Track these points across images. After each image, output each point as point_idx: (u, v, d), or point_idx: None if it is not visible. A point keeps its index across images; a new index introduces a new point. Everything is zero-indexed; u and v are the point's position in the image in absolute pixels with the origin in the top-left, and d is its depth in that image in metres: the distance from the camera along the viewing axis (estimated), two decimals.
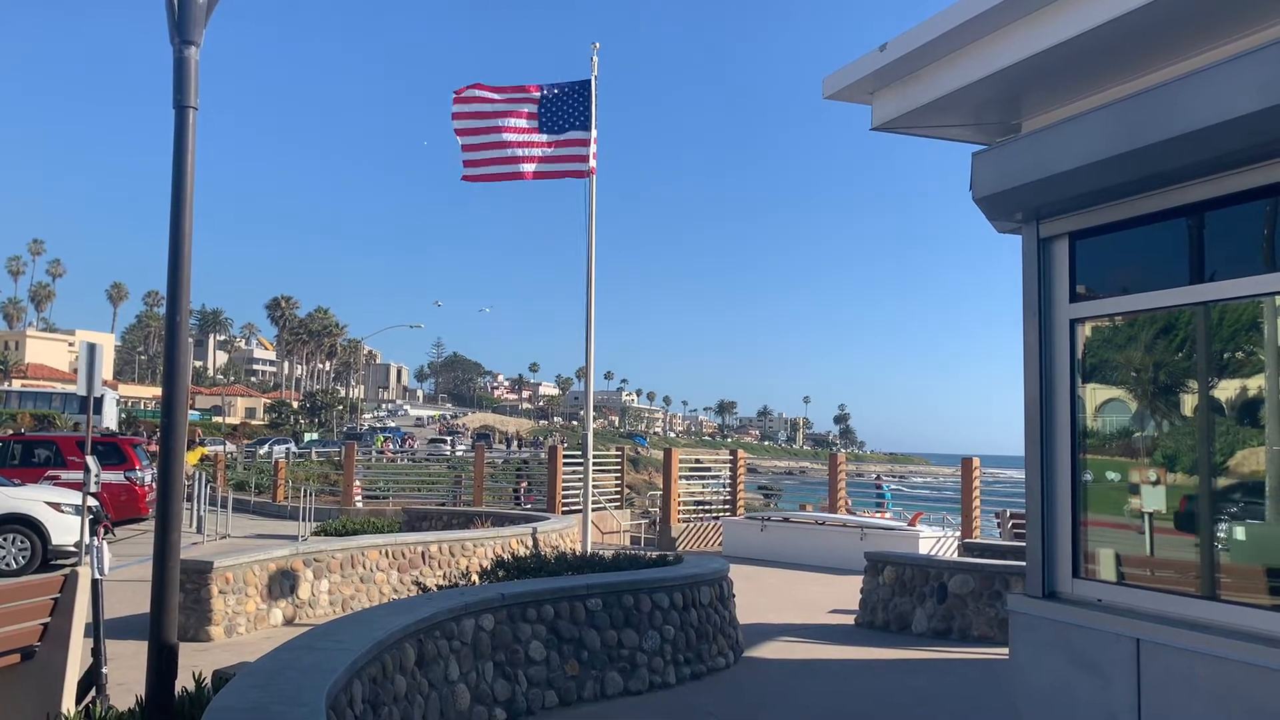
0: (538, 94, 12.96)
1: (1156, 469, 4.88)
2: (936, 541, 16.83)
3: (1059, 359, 5.24)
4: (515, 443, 74.16)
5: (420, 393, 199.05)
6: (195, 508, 20.01)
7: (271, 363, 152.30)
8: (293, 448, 53.21)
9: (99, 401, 21.69)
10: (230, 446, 53.16)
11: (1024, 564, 5.89)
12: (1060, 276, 5.26)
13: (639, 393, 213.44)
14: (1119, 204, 4.88)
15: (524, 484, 27.58)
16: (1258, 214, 4.36)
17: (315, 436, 69.46)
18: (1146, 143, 4.30)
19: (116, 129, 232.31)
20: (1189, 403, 4.80)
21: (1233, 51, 4.26)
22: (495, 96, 12.98)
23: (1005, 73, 4.92)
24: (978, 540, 16.16)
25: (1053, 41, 4.59)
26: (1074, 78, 5.03)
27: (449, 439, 76.28)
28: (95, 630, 6.17)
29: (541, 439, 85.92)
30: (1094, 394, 5.24)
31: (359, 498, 26.83)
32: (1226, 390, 4.62)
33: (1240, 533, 4.48)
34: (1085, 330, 5.23)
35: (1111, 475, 5.14)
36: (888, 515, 21.67)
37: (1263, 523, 4.37)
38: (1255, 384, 4.43)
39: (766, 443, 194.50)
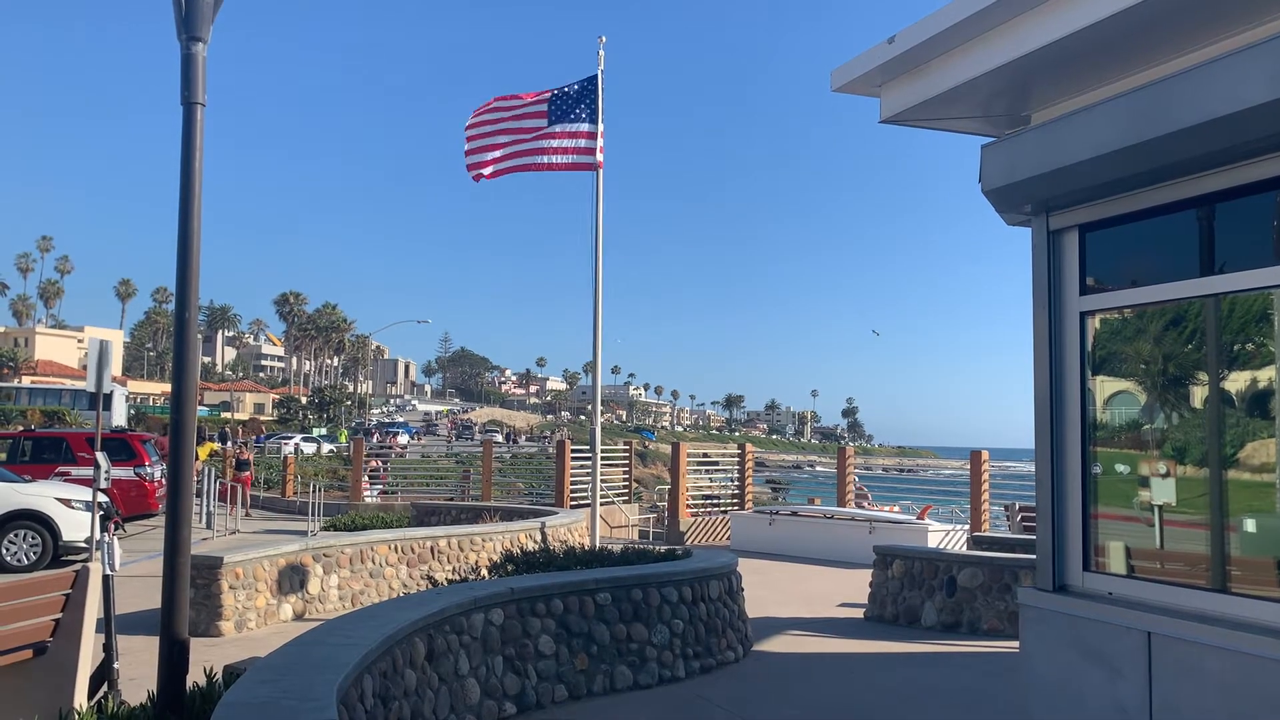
0: (546, 95, 13.09)
1: (1166, 461, 4.86)
2: (945, 535, 16.81)
3: (1069, 352, 5.22)
4: (515, 439, 74.32)
5: (428, 388, 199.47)
6: (205, 503, 20.08)
7: (280, 358, 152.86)
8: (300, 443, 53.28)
9: (108, 398, 21.76)
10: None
11: (1033, 557, 5.88)
12: (1070, 269, 5.24)
13: (646, 387, 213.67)
14: (1129, 196, 4.86)
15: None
16: (1268, 205, 4.33)
17: (324, 432, 69.52)
18: (1156, 134, 4.28)
19: (122, 127, 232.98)
20: (1199, 395, 4.78)
21: (1243, 42, 4.24)
22: (506, 104, 13.20)
23: (1014, 64, 4.90)
24: (987, 534, 16.14)
25: (1062, 33, 4.57)
26: (1084, 69, 5.01)
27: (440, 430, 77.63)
28: (106, 626, 6.19)
29: (549, 433, 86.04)
30: (1104, 386, 5.22)
31: (368, 493, 26.89)
32: (1237, 382, 4.60)
33: (1251, 525, 4.46)
34: (1095, 323, 5.21)
35: (1121, 468, 5.12)
36: (896, 509, 21.65)
37: (1274, 515, 4.35)
38: (1266, 375, 4.41)
39: (774, 437, 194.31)
